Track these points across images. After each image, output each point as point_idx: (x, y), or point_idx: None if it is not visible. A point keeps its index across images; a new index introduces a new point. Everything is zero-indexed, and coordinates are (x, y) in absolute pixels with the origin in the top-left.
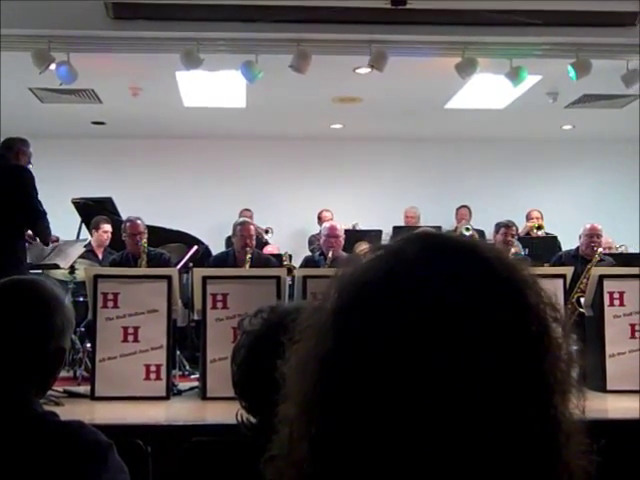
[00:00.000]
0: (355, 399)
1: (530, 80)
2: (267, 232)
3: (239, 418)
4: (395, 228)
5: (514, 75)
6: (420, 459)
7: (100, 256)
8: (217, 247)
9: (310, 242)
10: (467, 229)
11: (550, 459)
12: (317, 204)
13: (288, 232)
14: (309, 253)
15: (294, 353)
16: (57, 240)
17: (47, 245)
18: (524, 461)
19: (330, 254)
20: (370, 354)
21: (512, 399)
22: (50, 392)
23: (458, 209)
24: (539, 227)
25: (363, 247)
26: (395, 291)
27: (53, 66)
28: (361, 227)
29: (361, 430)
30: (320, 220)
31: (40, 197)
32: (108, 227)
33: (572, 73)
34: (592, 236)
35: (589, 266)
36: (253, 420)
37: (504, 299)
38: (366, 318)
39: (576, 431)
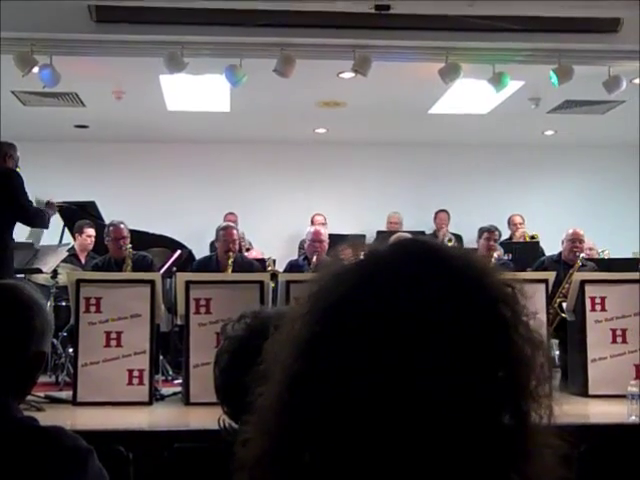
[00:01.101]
0: (330, 389)
1: (513, 86)
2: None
3: (221, 424)
4: (379, 232)
5: (497, 81)
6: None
7: (83, 261)
8: (202, 252)
9: (301, 247)
10: (450, 240)
11: (516, 465)
12: (300, 208)
13: (271, 237)
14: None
15: (276, 342)
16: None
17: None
18: (490, 465)
19: (314, 259)
20: (341, 362)
21: (476, 408)
22: (31, 397)
23: (437, 213)
24: (532, 237)
25: (346, 252)
26: (364, 298)
27: (36, 69)
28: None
29: (339, 409)
30: (313, 224)
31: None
32: (91, 231)
33: (554, 79)
34: (574, 241)
35: (571, 271)
36: (235, 426)
37: (471, 311)
38: (338, 327)
39: (549, 441)
